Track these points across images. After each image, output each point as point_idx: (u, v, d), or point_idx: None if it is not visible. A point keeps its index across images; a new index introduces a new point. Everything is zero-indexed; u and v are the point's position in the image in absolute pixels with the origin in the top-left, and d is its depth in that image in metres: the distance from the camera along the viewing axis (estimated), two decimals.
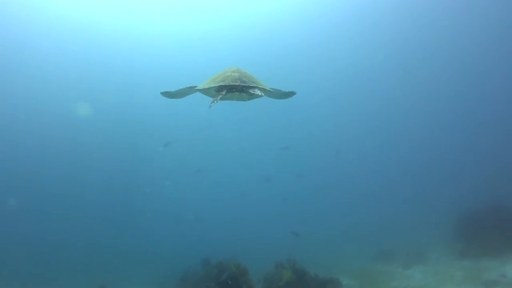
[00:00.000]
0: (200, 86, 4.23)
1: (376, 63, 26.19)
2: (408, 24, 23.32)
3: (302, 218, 18.69)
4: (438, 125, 24.33)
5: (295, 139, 26.63)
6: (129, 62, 27.85)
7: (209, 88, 4.03)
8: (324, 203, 21.21)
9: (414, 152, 23.42)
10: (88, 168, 23.28)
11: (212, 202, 21.90)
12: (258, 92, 3.96)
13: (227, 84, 3.84)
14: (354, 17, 24.26)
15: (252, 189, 21.50)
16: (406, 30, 23.88)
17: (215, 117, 24.65)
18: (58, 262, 15.19)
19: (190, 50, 27.41)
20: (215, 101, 3.83)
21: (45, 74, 25.43)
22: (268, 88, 4.18)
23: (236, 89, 3.93)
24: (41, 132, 24.47)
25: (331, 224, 17.74)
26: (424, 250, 12.54)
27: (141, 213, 20.45)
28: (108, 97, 27.11)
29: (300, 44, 27.74)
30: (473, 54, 23.03)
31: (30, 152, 24.24)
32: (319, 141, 27.59)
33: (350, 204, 20.08)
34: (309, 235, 15.41)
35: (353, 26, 24.94)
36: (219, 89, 3.94)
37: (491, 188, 15.28)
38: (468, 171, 20.04)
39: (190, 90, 4.63)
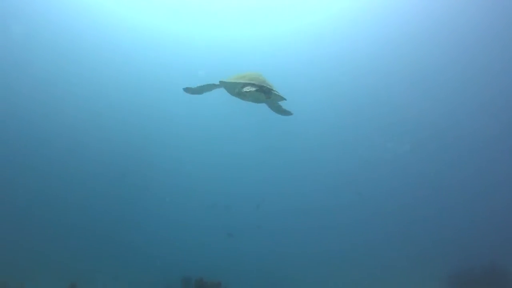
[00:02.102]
0: (227, 80, 4.79)
1: None
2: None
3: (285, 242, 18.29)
4: (439, 182, 23.83)
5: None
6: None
7: (237, 83, 4.65)
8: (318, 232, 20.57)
9: (415, 203, 22.97)
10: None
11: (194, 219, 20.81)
12: (278, 98, 4.75)
13: (257, 83, 4.56)
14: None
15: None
16: None
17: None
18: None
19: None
20: (247, 90, 4.53)
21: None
22: (282, 96, 4.80)
23: (263, 90, 4.62)
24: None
25: (320, 257, 17.20)
26: None
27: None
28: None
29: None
30: None
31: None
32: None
33: (342, 241, 19.54)
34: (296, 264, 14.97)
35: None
36: (253, 87, 4.59)
37: (487, 247, 14.97)
38: (465, 229, 19.70)
39: (211, 86, 5.11)
